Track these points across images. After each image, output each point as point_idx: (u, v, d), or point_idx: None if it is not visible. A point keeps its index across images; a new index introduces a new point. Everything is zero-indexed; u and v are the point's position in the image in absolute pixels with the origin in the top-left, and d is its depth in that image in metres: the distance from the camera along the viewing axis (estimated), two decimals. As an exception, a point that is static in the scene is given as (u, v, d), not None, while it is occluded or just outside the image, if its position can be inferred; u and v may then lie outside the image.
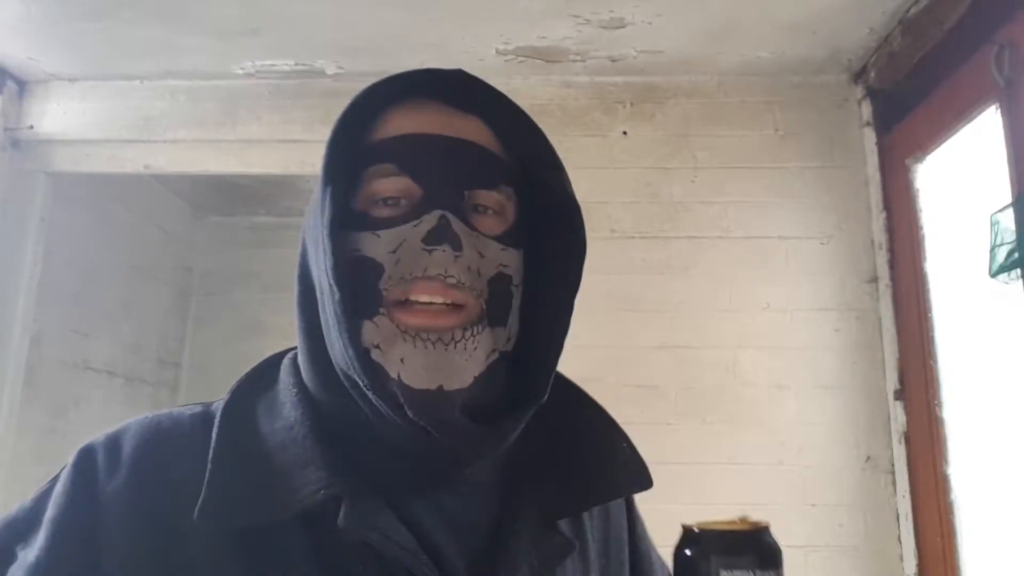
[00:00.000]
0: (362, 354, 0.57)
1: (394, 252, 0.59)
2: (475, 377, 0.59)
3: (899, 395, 2.02)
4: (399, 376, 0.57)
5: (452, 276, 0.58)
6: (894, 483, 2.02)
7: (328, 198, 0.59)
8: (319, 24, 2.06)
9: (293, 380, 0.64)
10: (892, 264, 2.09)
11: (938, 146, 1.91)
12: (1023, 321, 1.55)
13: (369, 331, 0.58)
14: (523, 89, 2.26)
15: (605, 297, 2.11)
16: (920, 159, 2.00)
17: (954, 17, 1.78)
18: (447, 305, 0.58)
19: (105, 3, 1.97)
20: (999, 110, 1.63)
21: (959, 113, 1.78)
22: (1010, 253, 1.51)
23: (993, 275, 1.55)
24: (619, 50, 2.17)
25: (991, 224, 1.57)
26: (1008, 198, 1.56)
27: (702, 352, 2.11)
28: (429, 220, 0.59)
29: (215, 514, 0.54)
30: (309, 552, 0.56)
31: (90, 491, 0.57)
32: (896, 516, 2.00)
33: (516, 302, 0.63)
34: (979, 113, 1.72)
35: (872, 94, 2.20)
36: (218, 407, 0.63)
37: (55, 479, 0.60)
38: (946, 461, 1.83)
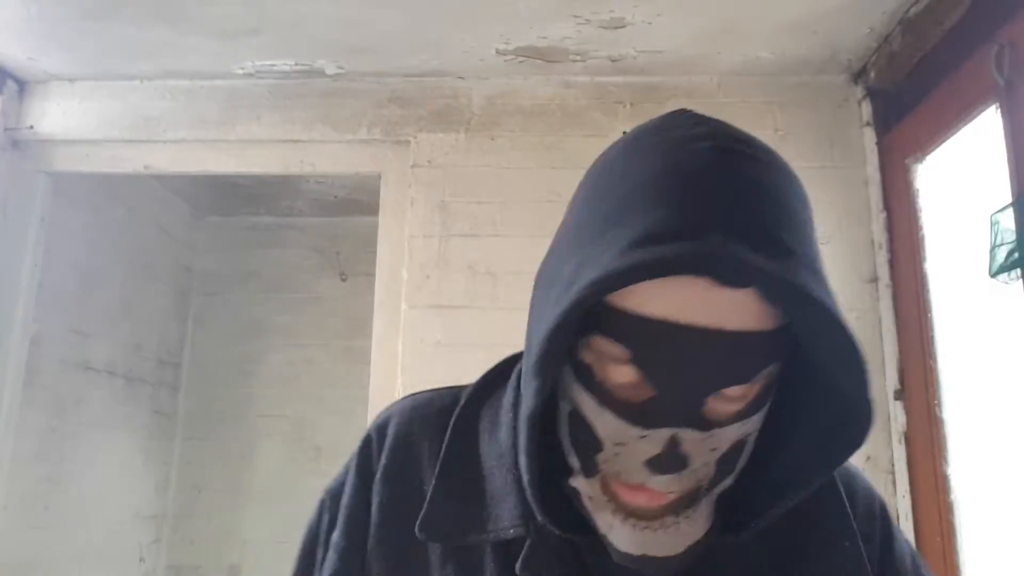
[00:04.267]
0: (569, 491, 0.57)
1: (616, 444, 0.52)
2: (688, 546, 0.55)
3: (899, 395, 2.02)
4: (606, 536, 0.55)
5: (674, 492, 0.53)
6: (894, 483, 2.01)
7: (532, 393, 0.54)
8: (319, 24, 2.06)
9: (512, 401, 0.65)
10: (892, 264, 2.08)
11: (938, 146, 1.91)
12: (1023, 321, 1.55)
13: (580, 480, 0.56)
14: (523, 89, 2.25)
15: (605, 297, 2.10)
16: (920, 159, 1.99)
17: (954, 17, 1.78)
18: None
19: (105, 3, 1.97)
20: (999, 110, 1.63)
21: (959, 113, 1.78)
22: (1010, 253, 1.51)
23: (993, 275, 1.55)
24: (619, 50, 2.16)
25: (991, 224, 1.57)
26: (1008, 198, 1.56)
27: (702, 352, 2.10)
28: (656, 441, 0.51)
29: (431, 532, 0.62)
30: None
31: (365, 477, 0.67)
32: (896, 516, 2.00)
33: (750, 447, 0.55)
34: (979, 113, 1.72)
35: (872, 94, 2.20)
36: (462, 397, 0.69)
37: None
38: (946, 461, 1.83)
